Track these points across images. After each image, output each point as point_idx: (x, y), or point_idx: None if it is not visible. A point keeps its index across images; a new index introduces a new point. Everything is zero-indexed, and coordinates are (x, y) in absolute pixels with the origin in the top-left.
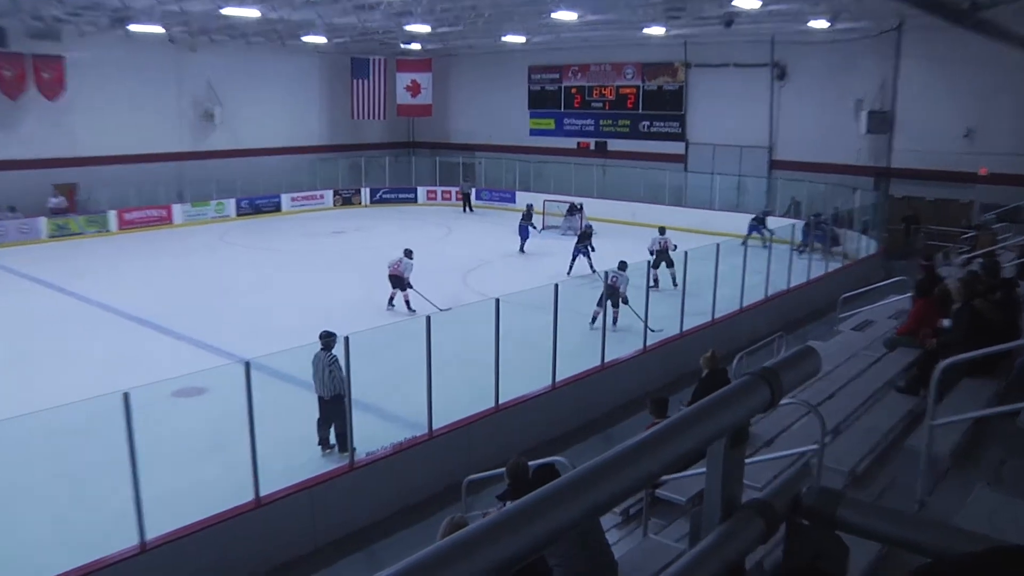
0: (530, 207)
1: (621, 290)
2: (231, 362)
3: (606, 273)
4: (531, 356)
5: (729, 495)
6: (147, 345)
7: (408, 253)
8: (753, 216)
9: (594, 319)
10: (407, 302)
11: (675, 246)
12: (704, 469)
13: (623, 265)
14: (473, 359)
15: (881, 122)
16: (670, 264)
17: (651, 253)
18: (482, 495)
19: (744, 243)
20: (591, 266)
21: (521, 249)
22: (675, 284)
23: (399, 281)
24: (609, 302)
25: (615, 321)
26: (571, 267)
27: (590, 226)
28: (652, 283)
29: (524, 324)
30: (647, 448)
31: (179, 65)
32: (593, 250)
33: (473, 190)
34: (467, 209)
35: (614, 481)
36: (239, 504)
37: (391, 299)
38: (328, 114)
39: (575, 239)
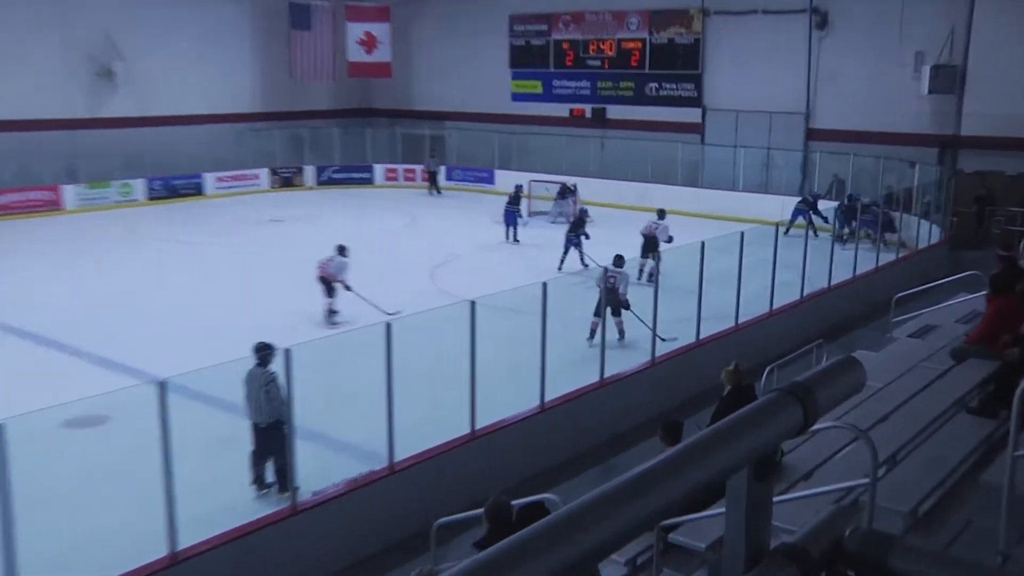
0: (518, 188)
1: (621, 291)
2: (141, 382)
3: (604, 271)
4: (515, 371)
5: (755, 539)
6: (33, 363)
7: (341, 250)
8: (800, 199)
9: (592, 333)
10: (330, 311)
11: (670, 237)
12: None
13: (620, 260)
14: (444, 375)
15: (948, 80)
16: (655, 257)
17: (643, 237)
18: (455, 543)
19: (787, 231)
20: (583, 259)
21: (513, 238)
22: (644, 278)
23: (328, 284)
24: (609, 310)
25: (622, 334)
26: (562, 261)
27: (584, 211)
28: (638, 275)
29: (506, 332)
30: (651, 481)
31: (65, 7)
32: (587, 238)
33: (442, 168)
34: (434, 191)
35: (613, 520)
36: (151, 561)
37: (335, 312)
38: (262, 74)
39: (567, 227)
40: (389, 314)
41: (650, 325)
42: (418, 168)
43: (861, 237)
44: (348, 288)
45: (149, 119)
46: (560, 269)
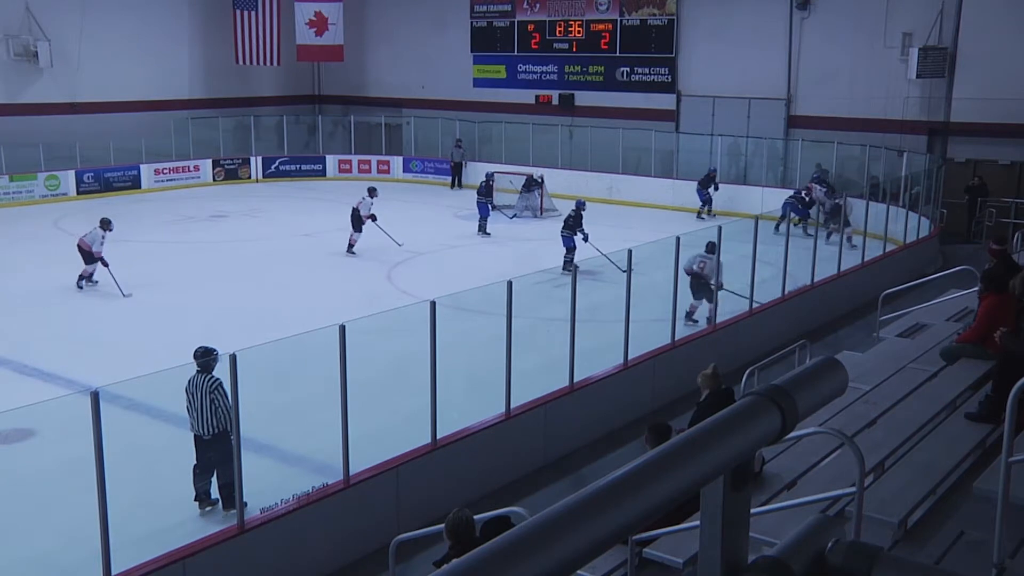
0: (489, 177)
1: (713, 280)
2: (71, 392)
3: (694, 258)
4: (478, 376)
5: (731, 552)
6: None
7: (103, 223)
8: (811, 183)
9: (688, 315)
10: (81, 276)
11: (719, 284)
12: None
13: (710, 246)
14: (402, 381)
15: (937, 63)
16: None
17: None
18: (415, 561)
19: (809, 229)
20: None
21: (482, 230)
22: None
23: (88, 256)
24: (700, 294)
25: (711, 319)
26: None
27: (581, 204)
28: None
29: (469, 334)
30: (619, 492)
31: None
32: (585, 240)
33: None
34: (456, 184)
35: (580, 534)
36: None
37: (87, 275)
38: (203, 57)
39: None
40: (124, 295)
41: (746, 295)
42: (374, 159)
43: (796, 222)
44: (103, 262)
45: (79, 105)
46: (566, 270)
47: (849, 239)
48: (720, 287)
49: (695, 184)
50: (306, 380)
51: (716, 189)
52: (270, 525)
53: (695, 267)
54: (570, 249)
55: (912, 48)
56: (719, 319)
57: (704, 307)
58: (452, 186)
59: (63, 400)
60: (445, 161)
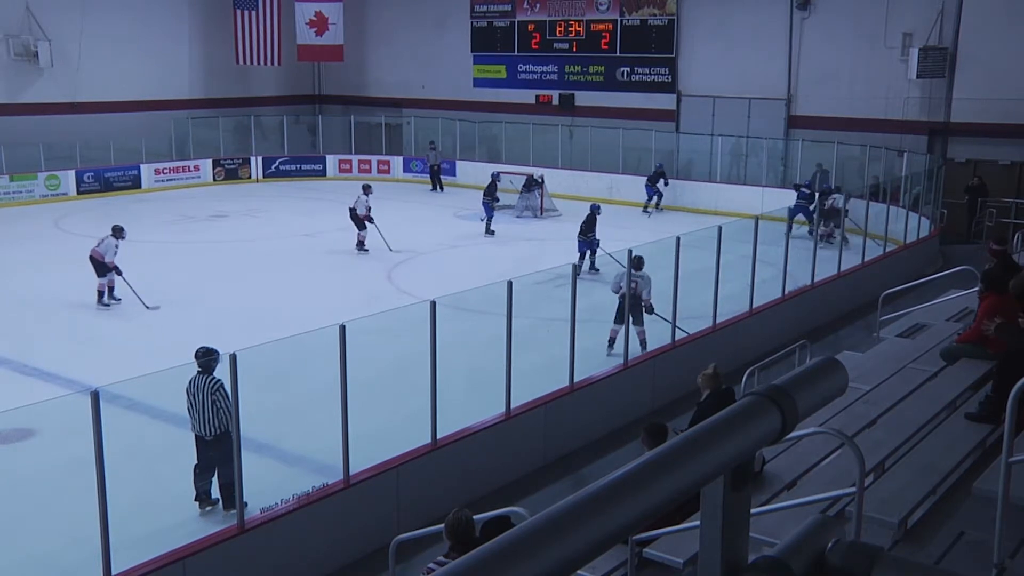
0: (495, 177)
1: (644, 297)
2: (71, 392)
3: (628, 274)
4: (479, 376)
5: (732, 552)
6: None
7: (116, 231)
8: (805, 188)
9: (612, 342)
10: (99, 293)
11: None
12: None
13: (639, 262)
14: (402, 381)
15: (938, 63)
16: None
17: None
18: (416, 561)
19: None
20: (593, 264)
21: (488, 230)
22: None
23: (101, 267)
24: (631, 317)
25: (643, 344)
26: (580, 266)
27: (596, 207)
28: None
29: (469, 334)
30: (620, 491)
31: None
32: (597, 244)
33: (440, 162)
34: (436, 186)
35: (580, 533)
36: None
37: (105, 291)
38: (204, 57)
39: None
40: (148, 307)
41: (670, 320)
42: (374, 159)
43: (801, 223)
44: (118, 273)
45: (79, 105)
46: (579, 274)
47: (830, 237)
48: (651, 310)
49: (685, 182)
50: (306, 380)
51: (667, 184)
52: (270, 525)
53: (631, 286)
54: (582, 255)
55: (912, 48)
56: (720, 318)
57: (633, 329)
58: (433, 188)
59: (63, 400)
60: (447, 160)
